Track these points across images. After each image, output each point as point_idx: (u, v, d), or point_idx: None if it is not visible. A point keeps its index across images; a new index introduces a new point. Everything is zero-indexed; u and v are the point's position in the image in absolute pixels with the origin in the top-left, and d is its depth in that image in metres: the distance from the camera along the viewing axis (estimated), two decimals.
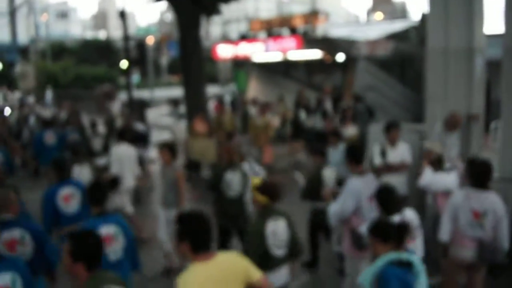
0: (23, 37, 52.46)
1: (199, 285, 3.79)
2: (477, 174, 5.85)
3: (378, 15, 72.86)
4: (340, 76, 20.74)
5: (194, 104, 16.08)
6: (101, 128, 14.60)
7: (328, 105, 16.41)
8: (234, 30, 25.36)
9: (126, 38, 21.42)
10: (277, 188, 5.47)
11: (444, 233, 6.00)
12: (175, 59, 46.09)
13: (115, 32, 66.68)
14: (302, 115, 15.88)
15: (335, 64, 20.28)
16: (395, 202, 5.37)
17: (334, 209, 6.31)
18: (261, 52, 20.76)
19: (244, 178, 7.66)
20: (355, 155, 6.38)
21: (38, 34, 52.53)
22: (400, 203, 5.45)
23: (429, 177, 7.18)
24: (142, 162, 11.69)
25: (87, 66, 44.66)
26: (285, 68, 22.77)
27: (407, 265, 4.35)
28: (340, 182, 7.35)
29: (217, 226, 7.59)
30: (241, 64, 24.26)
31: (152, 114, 23.78)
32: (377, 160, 8.42)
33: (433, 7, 8.91)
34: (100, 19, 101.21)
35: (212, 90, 24.60)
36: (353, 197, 6.13)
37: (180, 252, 3.99)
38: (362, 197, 6.13)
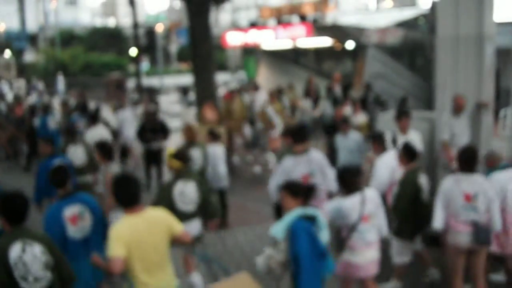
0: (32, 25, 52.51)
1: (127, 233, 4.43)
2: (465, 159, 6.02)
3: (388, 3, 72.37)
4: (350, 63, 20.75)
5: (203, 92, 16.11)
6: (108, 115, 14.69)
7: (338, 92, 16.42)
8: (244, 18, 25.39)
9: (136, 25, 21.54)
10: (188, 155, 6.86)
11: (438, 221, 6.09)
12: (185, 46, 46.02)
13: (124, 19, 66.56)
14: (307, 104, 15.90)
15: (345, 51, 20.29)
16: (355, 181, 5.59)
17: (270, 184, 6.96)
18: (271, 39, 20.78)
19: (205, 155, 8.86)
20: (297, 134, 6.91)
21: (47, 22, 52.59)
22: (360, 183, 5.66)
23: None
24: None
25: (96, 54, 44.71)
26: (294, 56, 22.79)
27: (312, 219, 4.97)
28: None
29: None
30: (250, 52, 24.29)
31: (162, 102, 23.85)
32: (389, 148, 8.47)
33: None
34: (109, 7, 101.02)
35: (221, 77, 24.63)
36: (283, 174, 6.65)
37: (107, 206, 4.95)
38: (292, 175, 6.55)
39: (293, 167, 6.72)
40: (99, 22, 72.13)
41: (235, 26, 24.28)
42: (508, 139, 9.04)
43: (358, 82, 18.10)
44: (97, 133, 10.02)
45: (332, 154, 10.03)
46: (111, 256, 4.32)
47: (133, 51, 29.08)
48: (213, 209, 6.79)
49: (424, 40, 18.75)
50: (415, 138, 8.44)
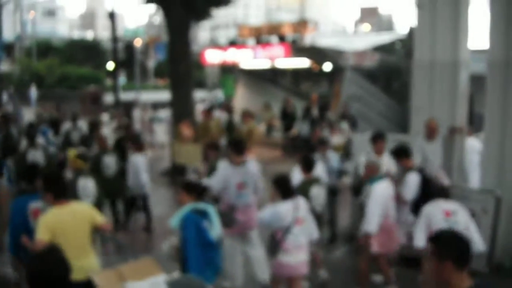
0: (8, 34, 52.09)
1: (53, 221, 5.27)
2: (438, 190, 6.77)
3: (365, 27, 73.45)
4: (327, 85, 20.94)
5: (181, 109, 16.10)
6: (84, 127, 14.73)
7: (315, 113, 16.58)
8: (223, 36, 25.51)
9: (115, 39, 21.45)
10: (87, 156, 8.29)
11: (421, 240, 6.38)
12: (162, 62, 46.01)
13: (102, 32, 66.42)
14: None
15: (322, 73, 20.48)
16: (289, 188, 6.16)
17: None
18: (249, 58, 20.88)
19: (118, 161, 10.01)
20: (236, 147, 7.44)
21: (24, 32, 52.20)
22: (294, 191, 6.25)
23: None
24: None
25: (73, 66, 44.39)
26: (272, 76, 22.91)
27: (203, 214, 5.70)
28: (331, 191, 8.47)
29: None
30: (229, 70, 24.38)
31: (136, 117, 23.76)
32: (363, 169, 8.56)
33: (420, 21, 9.10)
34: (88, 19, 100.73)
35: (199, 95, 24.66)
36: (220, 180, 7.29)
37: (45, 199, 5.56)
38: (229, 183, 7.22)
39: (231, 175, 7.27)
40: (77, 34, 71.70)
41: (214, 44, 24.38)
42: (480, 164, 9.21)
43: (335, 104, 18.27)
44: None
45: None
46: (37, 238, 5.18)
47: (110, 65, 29.01)
48: (102, 201, 8.13)
49: (400, 64, 19.04)
50: (389, 160, 8.56)
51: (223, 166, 7.43)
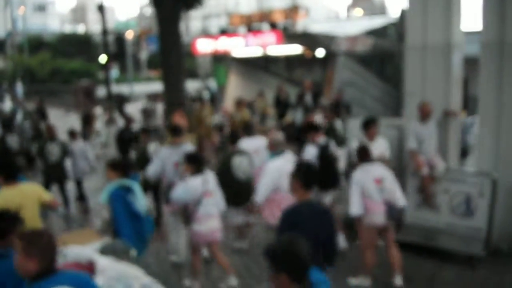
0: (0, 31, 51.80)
1: (4, 201, 5.72)
2: (362, 153, 7.21)
3: (358, 11, 73.20)
4: (320, 71, 20.81)
5: (173, 99, 16.01)
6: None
7: (309, 100, 16.45)
8: (214, 25, 25.29)
9: (105, 32, 21.30)
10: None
11: (357, 208, 6.97)
12: (155, 54, 45.79)
13: (94, 26, 66.08)
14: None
15: (315, 59, 20.34)
16: (199, 165, 6.86)
17: (149, 170, 8.29)
18: (241, 47, 20.75)
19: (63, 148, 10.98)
20: (174, 131, 8.37)
21: (15, 27, 51.81)
22: (203, 167, 6.95)
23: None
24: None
25: (65, 60, 44.17)
26: (265, 63, 22.77)
27: (128, 189, 6.25)
28: None
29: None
30: (220, 59, 24.22)
31: (131, 109, 23.64)
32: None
33: (412, 4, 8.99)
34: (78, 13, 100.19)
35: (191, 85, 24.52)
36: (159, 162, 8.13)
37: None
38: (167, 161, 8.05)
39: (169, 155, 8.11)
40: (68, 28, 71.34)
41: (205, 33, 24.17)
42: (476, 146, 9.15)
43: (328, 90, 18.17)
44: None
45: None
46: None
47: (102, 58, 28.78)
48: None
49: (394, 48, 18.93)
50: (383, 145, 8.49)
51: (162, 149, 8.47)
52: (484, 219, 8.11)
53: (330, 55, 19.06)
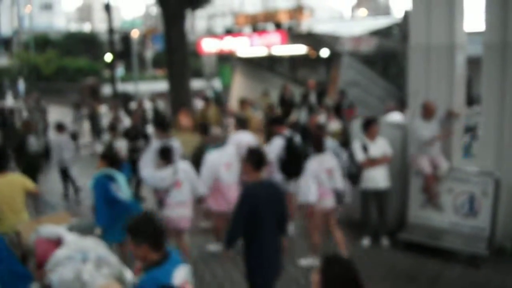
0: (6, 29, 51.93)
1: None
2: (317, 145, 7.82)
3: (362, 12, 73.16)
4: (324, 71, 20.85)
5: (178, 98, 16.09)
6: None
7: (313, 99, 16.51)
8: (219, 25, 25.36)
9: (111, 31, 21.36)
10: None
11: (313, 195, 7.58)
12: (160, 53, 45.80)
13: (99, 25, 66.25)
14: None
15: (320, 59, 20.38)
16: (169, 157, 7.47)
17: (140, 163, 8.98)
18: (246, 46, 20.79)
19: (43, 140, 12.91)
20: (160, 125, 9.41)
21: (21, 26, 51.99)
22: (173, 158, 7.56)
23: None
24: None
25: (71, 59, 44.27)
26: (269, 63, 22.81)
27: (112, 178, 7.01)
28: None
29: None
30: (226, 59, 24.29)
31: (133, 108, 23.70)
32: (360, 156, 8.55)
33: (416, 5, 9.03)
34: (84, 12, 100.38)
35: (196, 84, 24.57)
36: (150, 155, 8.73)
37: None
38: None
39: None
40: (74, 27, 71.46)
41: (211, 33, 24.24)
42: (479, 147, 9.19)
43: (333, 90, 18.20)
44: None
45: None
46: None
47: (108, 57, 28.81)
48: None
49: (397, 48, 18.94)
50: (384, 143, 8.57)
51: (152, 144, 9.28)
52: (488, 219, 8.15)
53: (335, 55, 19.09)
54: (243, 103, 14.19)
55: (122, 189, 7.04)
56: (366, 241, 8.91)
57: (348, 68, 18.41)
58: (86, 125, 20.20)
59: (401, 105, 12.75)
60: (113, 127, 11.76)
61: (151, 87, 33.83)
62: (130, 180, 9.44)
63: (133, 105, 20.92)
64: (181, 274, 3.94)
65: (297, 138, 9.18)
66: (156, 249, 3.86)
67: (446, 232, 8.53)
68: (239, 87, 22.03)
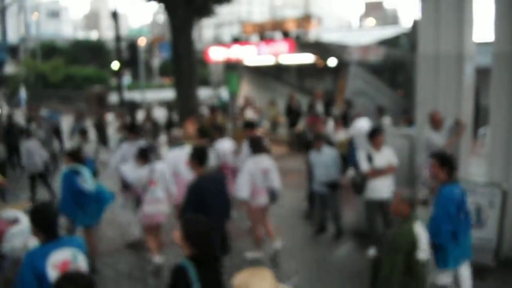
0: (13, 36, 52.16)
1: None
2: (255, 146, 8.35)
3: (370, 21, 73.25)
4: (332, 80, 20.84)
5: (185, 106, 16.11)
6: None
7: (320, 109, 16.49)
8: (227, 33, 25.41)
9: (118, 39, 21.47)
10: None
11: (245, 192, 8.10)
12: (167, 61, 45.96)
13: (107, 32, 66.56)
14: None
15: (327, 68, 20.37)
16: (145, 157, 8.02)
17: (111, 161, 9.86)
18: (253, 55, 20.81)
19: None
20: (132, 129, 10.07)
21: (28, 33, 52.23)
22: (149, 157, 8.13)
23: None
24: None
25: (78, 67, 44.42)
26: (277, 72, 22.82)
27: (77, 172, 7.79)
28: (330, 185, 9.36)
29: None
30: (233, 67, 24.31)
31: (139, 116, 23.78)
32: (364, 165, 8.49)
33: (424, 14, 9.02)
34: (91, 19, 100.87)
35: (204, 92, 24.61)
36: (120, 154, 9.53)
37: None
38: (128, 155, 9.20)
39: (127, 149, 9.42)
40: (81, 34, 71.79)
41: (218, 42, 24.30)
42: (487, 157, 9.13)
43: (340, 99, 18.18)
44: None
45: (310, 170, 10.06)
46: None
47: (115, 65, 28.94)
48: None
49: (405, 58, 18.92)
50: (390, 153, 8.52)
51: (123, 145, 9.97)
52: (494, 230, 8.08)
53: (342, 65, 19.08)
54: (246, 100, 14.27)
55: (87, 181, 7.84)
56: (372, 251, 8.86)
57: (356, 78, 18.39)
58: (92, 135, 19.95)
59: (408, 115, 12.82)
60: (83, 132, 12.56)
61: (158, 95, 33.89)
62: (95, 173, 10.00)
63: (140, 114, 20.91)
64: (60, 255, 4.42)
65: (265, 141, 9.92)
66: (42, 231, 4.50)
67: None
68: (246, 96, 22.03)
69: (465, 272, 6.58)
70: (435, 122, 8.52)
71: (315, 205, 10.37)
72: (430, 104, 8.89)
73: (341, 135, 12.67)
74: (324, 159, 9.39)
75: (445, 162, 6.30)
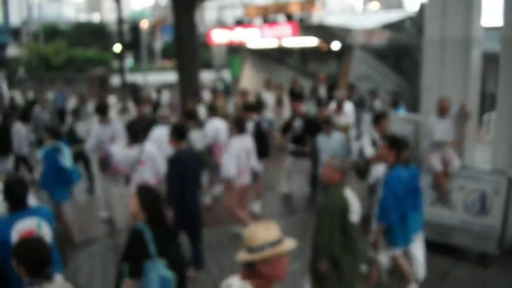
0: (15, 19, 51.85)
1: None
2: (240, 126, 8.67)
3: (374, 5, 72.68)
4: (335, 64, 20.68)
5: (187, 89, 15.98)
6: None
7: (323, 93, 16.35)
8: (230, 16, 25.21)
9: (120, 21, 21.30)
10: None
11: (232, 171, 8.45)
12: (169, 43, 45.75)
13: (109, 15, 66.12)
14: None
15: (330, 52, 20.21)
16: (136, 138, 8.15)
17: (87, 144, 10.08)
18: (256, 38, 20.65)
19: None
20: (102, 111, 10.14)
21: (30, 16, 51.97)
22: (140, 137, 8.29)
23: None
24: None
25: (80, 49, 44.28)
26: (280, 55, 22.66)
27: (58, 150, 8.24)
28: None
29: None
30: (235, 50, 24.15)
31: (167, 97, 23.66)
32: (369, 151, 8.40)
33: None
34: (94, 2, 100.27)
35: (206, 75, 24.44)
36: (95, 136, 9.87)
37: None
38: (101, 135, 9.77)
39: (102, 131, 9.87)
40: (83, 17, 71.46)
41: (221, 24, 24.09)
42: (492, 144, 9.02)
43: (343, 84, 18.04)
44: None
45: (315, 154, 9.94)
46: None
47: (117, 47, 28.80)
48: None
49: (410, 42, 18.74)
50: None
51: (95, 128, 10.31)
52: (499, 218, 7.99)
53: (346, 48, 18.91)
54: (243, 94, 14.35)
55: (66, 157, 8.31)
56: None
57: (359, 62, 18.23)
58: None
59: (395, 98, 12.84)
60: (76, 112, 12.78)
61: (160, 78, 33.73)
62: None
63: (164, 94, 20.80)
64: (26, 224, 4.67)
65: (264, 123, 10.68)
66: (9, 201, 4.79)
67: (456, 230, 8.38)
68: (249, 79, 21.90)
69: (416, 250, 6.68)
70: (442, 109, 8.38)
71: (319, 190, 10.27)
72: (436, 90, 8.75)
73: (343, 119, 12.57)
74: (332, 144, 9.30)
75: (394, 144, 6.38)
